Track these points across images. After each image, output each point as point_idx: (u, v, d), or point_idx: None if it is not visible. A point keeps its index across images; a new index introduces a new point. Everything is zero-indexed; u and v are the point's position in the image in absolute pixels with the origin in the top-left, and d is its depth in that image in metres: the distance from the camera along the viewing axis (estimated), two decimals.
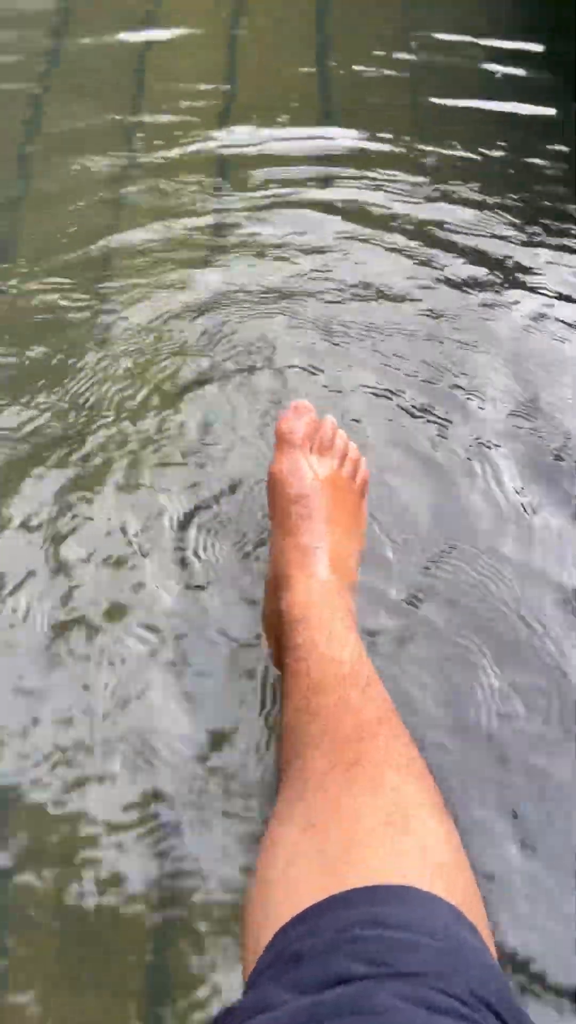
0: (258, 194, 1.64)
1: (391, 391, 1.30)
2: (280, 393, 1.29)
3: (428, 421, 1.26)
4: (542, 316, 1.43)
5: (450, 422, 1.25)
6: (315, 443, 1.02)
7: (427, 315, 1.40)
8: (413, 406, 1.27)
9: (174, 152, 1.73)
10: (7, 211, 1.59)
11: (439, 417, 1.26)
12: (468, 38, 2.05)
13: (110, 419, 1.25)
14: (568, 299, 1.46)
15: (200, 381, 1.31)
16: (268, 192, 1.65)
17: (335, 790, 0.68)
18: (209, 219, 1.59)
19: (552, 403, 1.29)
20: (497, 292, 1.47)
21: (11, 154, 1.71)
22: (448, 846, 0.65)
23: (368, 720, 0.75)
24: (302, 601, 0.87)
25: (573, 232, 1.63)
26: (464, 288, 1.48)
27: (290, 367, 1.32)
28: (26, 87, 1.88)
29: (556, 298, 1.47)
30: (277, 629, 0.91)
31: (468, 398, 1.29)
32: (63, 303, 1.42)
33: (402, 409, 1.26)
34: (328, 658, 0.80)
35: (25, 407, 1.26)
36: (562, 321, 1.41)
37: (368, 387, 1.30)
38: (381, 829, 0.64)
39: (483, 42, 2.04)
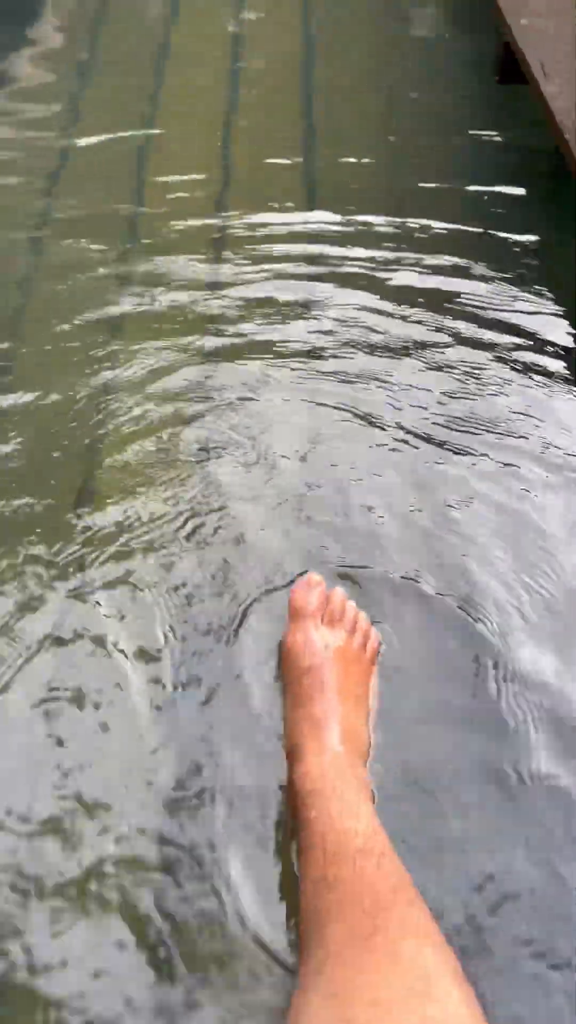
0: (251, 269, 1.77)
1: None
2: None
3: None
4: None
5: None
6: (326, 615, 1.07)
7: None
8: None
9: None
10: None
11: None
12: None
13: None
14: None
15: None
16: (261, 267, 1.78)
17: (355, 961, 0.70)
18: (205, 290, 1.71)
19: None
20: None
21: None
22: (471, 1011, 0.66)
23: (383, 890, 0.77)
24: (314, 773, 0.90)
25: (547, 295, 1.76)
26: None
27: None
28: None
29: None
30: (291, 800, 0.94)
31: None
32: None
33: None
34: (342, 830, 0.82)
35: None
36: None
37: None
38: (405, 997, 0.66)
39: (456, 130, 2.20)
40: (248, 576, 1.20)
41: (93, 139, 2.17)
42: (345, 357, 1.59)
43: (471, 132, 2.25)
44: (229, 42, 2.59)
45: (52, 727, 1.06)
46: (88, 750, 1.04)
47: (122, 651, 1.13)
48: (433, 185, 2.07)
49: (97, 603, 1.18)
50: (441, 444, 1.42)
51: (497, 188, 2.06)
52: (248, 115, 2.28)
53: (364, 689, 1.04)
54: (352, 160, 2.14)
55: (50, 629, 1.15)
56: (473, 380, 1.55)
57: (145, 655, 1.13)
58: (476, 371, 1.56)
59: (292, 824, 0.92)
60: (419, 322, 1.67)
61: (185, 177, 2.06)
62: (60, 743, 1.05)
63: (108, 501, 1.32)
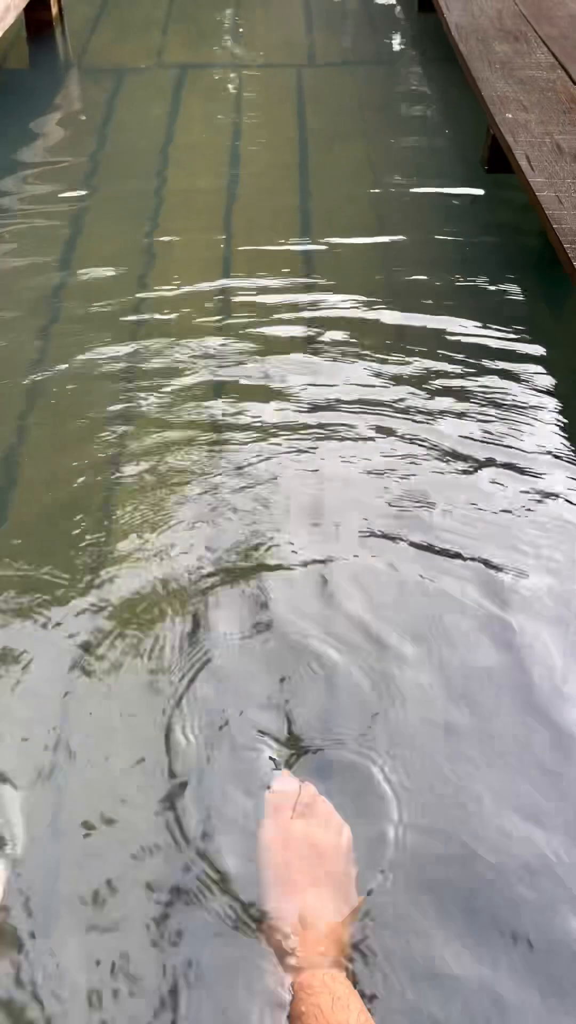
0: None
1: None
2: None
3: None
4: None
5: None
6: (298, 809, 1.10)
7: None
8: None
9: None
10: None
11: None
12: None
13: None
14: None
15: None
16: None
17: None
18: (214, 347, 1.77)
19: None
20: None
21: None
22: None
23: None
24: (302, 968, 0.92)
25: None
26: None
27: None
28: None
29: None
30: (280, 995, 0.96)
31: None
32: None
33: None
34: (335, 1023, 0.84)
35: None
36: None
37: None
38: None
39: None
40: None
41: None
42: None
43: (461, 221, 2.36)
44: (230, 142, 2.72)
45: None
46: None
47: None
48: (426, 265, 2.16)
49: None
50: None
51: (486, 277, 2.15)
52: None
53: (341, 882, 1.05)
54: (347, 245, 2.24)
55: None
56: None
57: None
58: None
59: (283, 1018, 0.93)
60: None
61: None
62: None
63: None
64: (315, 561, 1.39)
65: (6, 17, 2.71)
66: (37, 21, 3.17)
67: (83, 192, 2.40)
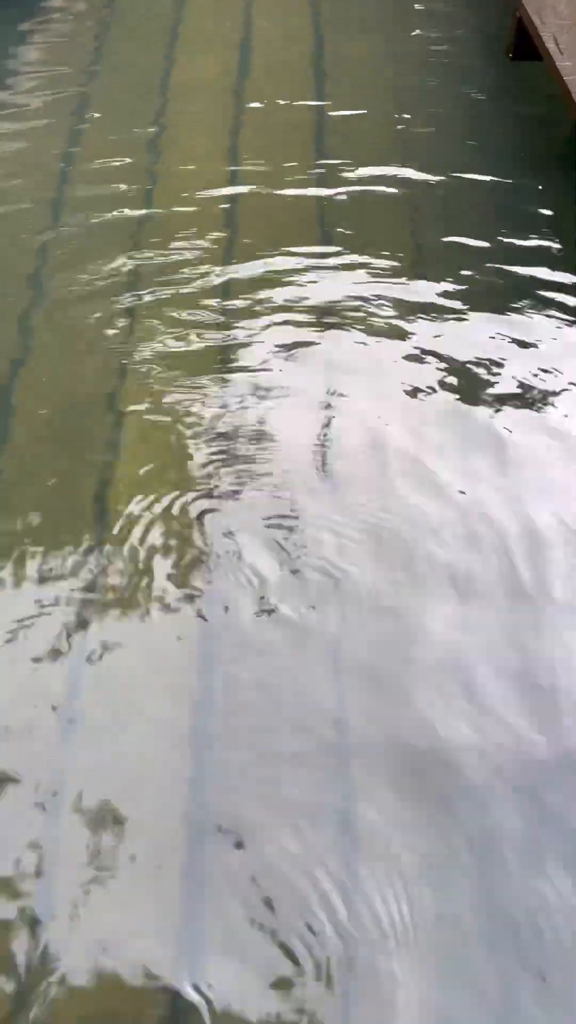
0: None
1: None
2: None
3: None
4: None
5: None
6: None
7: None
8: None
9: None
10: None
11: None
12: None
13: None
14: None
15: None
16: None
17: None
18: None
19: None
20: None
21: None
22: None
23: None
24: None
25: None
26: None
27: None
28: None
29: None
30: None
31: None
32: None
33: None
34: None
35: None
36: None
37: None
38: None
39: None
40: None
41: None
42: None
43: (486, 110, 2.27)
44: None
45: None
46: None
47: None
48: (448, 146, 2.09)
49: None
50: None
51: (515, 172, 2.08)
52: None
53: None
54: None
55: None
56: None
57: None
58: None
59: None
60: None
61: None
62: None
63: None
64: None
65: None
66: None
67: (85, 80, 2.31)
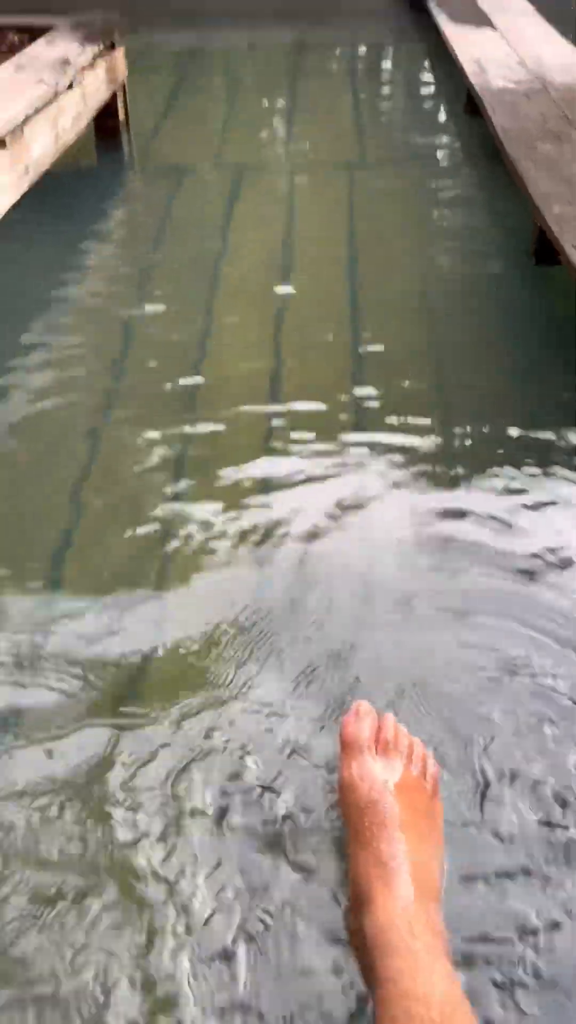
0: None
1: None
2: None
3: None
4: None
5: None
6: (380, 744, 1.02)
7: None
8: None
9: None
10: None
11: None
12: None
13: None
14: None
15: None
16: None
17: None
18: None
19: None
20: None
21: None
22: None
23: None
24: (384, 923, 0.85)
25: None
26: None
27: None
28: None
29: None
30: (362, 952, 0.89)
31: None
32: None
33: None
34: (415, 996, 0.78)
35: None
36: None
37: None
38: None
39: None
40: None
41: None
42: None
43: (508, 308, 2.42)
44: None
45: None
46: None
47: None
48: (473, 355, 2.21)
49: None
50: None
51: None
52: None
53: (429, 821, 0.98)
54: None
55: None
56: None
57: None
58: None
59: (365, 976, 0.88)
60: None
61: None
62: None
63: None
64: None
65: (79, 123, 2.91)
66: (105, 127, 3.39)
67: (140, 293, 2.51)
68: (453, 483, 1.75)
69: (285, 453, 1.83)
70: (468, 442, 1.89)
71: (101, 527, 1.66)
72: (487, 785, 1.12)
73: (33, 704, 1.27)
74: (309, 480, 1.75)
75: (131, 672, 1.32)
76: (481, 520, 1.63)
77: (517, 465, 1.80)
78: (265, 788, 1.12)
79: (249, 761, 1.16)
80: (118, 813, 1.11)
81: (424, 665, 1.30)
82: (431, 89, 4.26)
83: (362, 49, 5.06)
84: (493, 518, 1.63)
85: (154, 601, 1.47)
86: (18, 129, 2.37)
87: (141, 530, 1.63)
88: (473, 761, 1.15)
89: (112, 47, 3.23)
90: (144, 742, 1.20)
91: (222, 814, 1.10)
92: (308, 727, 1.20)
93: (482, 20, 4.41)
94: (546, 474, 1.77)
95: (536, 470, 1.78)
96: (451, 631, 1.38)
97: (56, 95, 2.65)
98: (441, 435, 1.90)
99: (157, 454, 1.84)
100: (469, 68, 3.66)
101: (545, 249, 2.47)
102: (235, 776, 1.14)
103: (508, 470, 1.78)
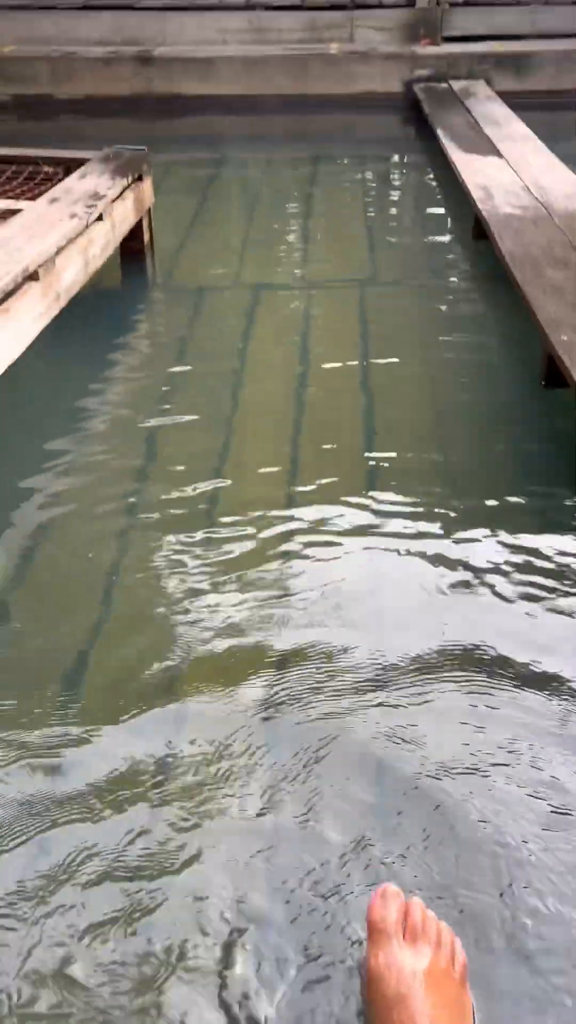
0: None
1: None
2: None
3: None
4: None
5: None
6: (407, 930, 1.00)
7: None
8: None
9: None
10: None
11: None
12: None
13: None
14: None
15: None
16: None
17: None
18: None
19: None
20: None
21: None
22: None
23: None
24: None
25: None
26: None
27: None
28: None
29: None
30: None
31: None
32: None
33: None
34: None
35: None
36: None
37: None
38: None
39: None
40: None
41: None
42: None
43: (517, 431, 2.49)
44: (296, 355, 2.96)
45: None
46: None
47: None
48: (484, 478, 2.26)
49: None
50: None
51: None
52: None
53: (459, 1011, 0.96)
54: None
55: None
56: None
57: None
58: None
59: None
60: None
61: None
62: None
63: None
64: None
65: (106, 250, 3.06)
66: (130, 248, 3.56)
67: (162, 406, 2.60)
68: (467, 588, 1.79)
69: (302, 557, 1.92)
70: (474, 555, 1.95)
71: (122, 632, 1.71)
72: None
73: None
74: (324, 590, 1.81)
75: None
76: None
77: (527, 571, 1.85)
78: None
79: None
80: None
81: None
82: (439, 211, 4.47)
83: (373, 172, 5.33)
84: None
85: (170, 712, 1.51)
86: (50, 261, 2.51)
87: (160, 637, 1.68)
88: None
89: (140, 179, 3.43)
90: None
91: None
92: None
93: (488, 148, 4.66)
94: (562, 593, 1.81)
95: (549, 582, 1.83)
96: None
97: (87, 227, 2.81)
98: (448, 538, 2.01)
99: (177, 558, 1.91)
100: (476, 194, 3.85)
101: (554, 373, 2.55)
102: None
103: (520, 577, 1.83)
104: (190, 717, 1.51)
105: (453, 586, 1.84)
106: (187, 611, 1.75)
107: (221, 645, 1.66)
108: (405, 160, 5.66)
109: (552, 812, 1.31)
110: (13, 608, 1.81)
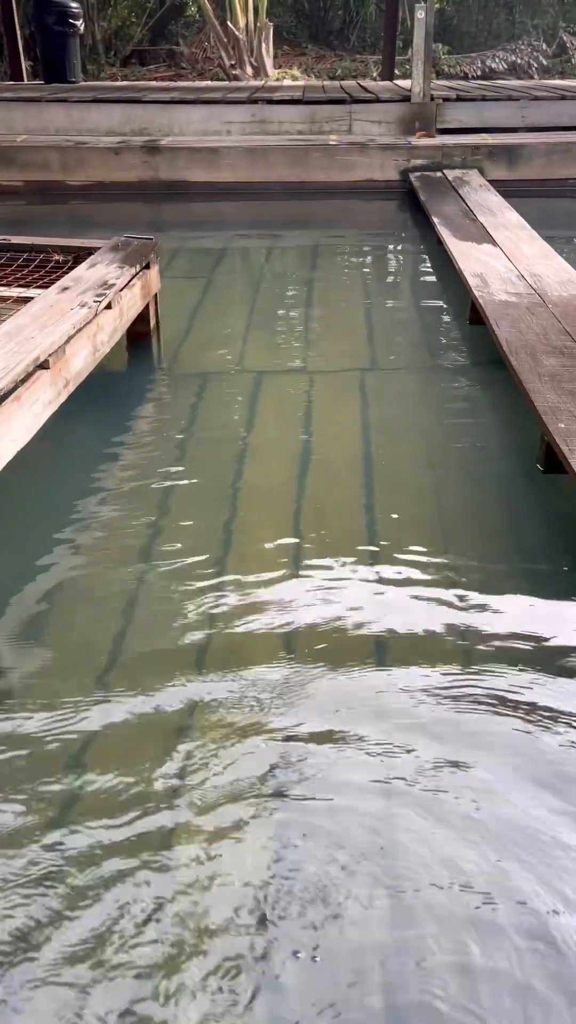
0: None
1: None
2: None
3: None
4: None
5: None
6: None
7: None
8: None
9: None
10: None
11: None
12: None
13: None
14: None
15: None
16: None
17: None
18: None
19: None
20: None
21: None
22: None
23: None
24: None
25: None
26: None
27: None
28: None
29: None
30: None
31: None
32: None
33: None
34: None
35: None
36: None
37: None
38: None
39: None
40: None
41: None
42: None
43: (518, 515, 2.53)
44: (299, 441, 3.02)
45: None
46: None
47: None
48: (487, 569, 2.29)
49: None
50: None
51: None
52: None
53: None
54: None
55: None
56: None
57: None
58: None
59: None
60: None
61: None
62: None
63: None
64: None
65: (114, 336, 3.15)
66: (137, 332, 3.66)
67: (166, 483, 2.65)
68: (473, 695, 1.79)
69: (306, 660, 1.92)
70: (478, 639, 1.96)
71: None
72: None
73: None
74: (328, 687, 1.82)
75: None
76: None
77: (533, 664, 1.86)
78: None
79: None
80: None
81: None
82: (436, 296, 4.60)
83: (371, 257, 5.51)
84: None
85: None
86: (60, 350, 2.58)
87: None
88: None
89: (148, 266, 3.55)
90: None
91: None
92: None
93: (483, 235, 4.83)
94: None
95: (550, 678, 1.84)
96: None
97: (96, 315, 2.89)
98: (453, 619, 2.04)
99: (184, 637, 1.95)
100: (472, 281, 3.98)
101: (553, 459, 2.60)
102: None
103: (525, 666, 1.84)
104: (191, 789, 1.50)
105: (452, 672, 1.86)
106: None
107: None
108: (401, 247, 5.85)
109: None
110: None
